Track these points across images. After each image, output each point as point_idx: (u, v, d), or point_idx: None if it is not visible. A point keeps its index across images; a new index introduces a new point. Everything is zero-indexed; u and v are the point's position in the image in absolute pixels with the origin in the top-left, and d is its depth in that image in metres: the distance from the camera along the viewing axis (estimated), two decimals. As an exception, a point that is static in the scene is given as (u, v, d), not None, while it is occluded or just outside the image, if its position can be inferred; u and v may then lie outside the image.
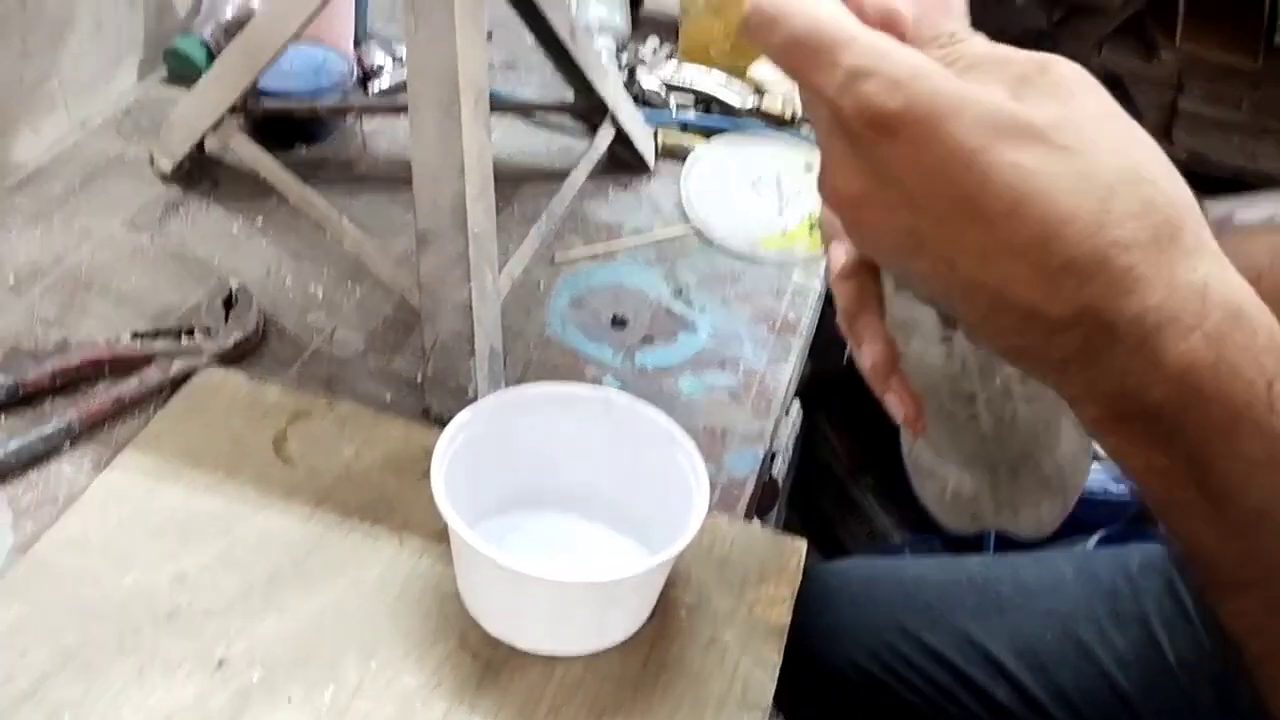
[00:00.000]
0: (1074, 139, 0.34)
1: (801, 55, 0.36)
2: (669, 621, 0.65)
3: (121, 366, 0.76)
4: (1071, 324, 0.35)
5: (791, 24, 0.36)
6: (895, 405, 0.49)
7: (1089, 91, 0.36)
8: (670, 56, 1.22)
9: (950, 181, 0.34)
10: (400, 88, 1.12)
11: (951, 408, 0.53)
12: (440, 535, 0.67)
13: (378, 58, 1.14)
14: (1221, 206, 2.23)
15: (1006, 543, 1.13)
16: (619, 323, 0.89)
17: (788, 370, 0.87)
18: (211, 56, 1.06)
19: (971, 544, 1.55)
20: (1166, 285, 0.34)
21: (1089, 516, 1.61)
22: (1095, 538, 1.50)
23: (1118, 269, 0.34)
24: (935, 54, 0.37)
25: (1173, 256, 0.34)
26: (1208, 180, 2.25)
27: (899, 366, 0.48)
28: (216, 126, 0.92)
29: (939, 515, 0.58)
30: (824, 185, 0.38)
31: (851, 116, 0.34)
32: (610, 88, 1.01)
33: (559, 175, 0.99)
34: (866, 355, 0.49)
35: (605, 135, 1.02)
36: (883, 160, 0.35)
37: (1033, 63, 0.37)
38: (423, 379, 0.79)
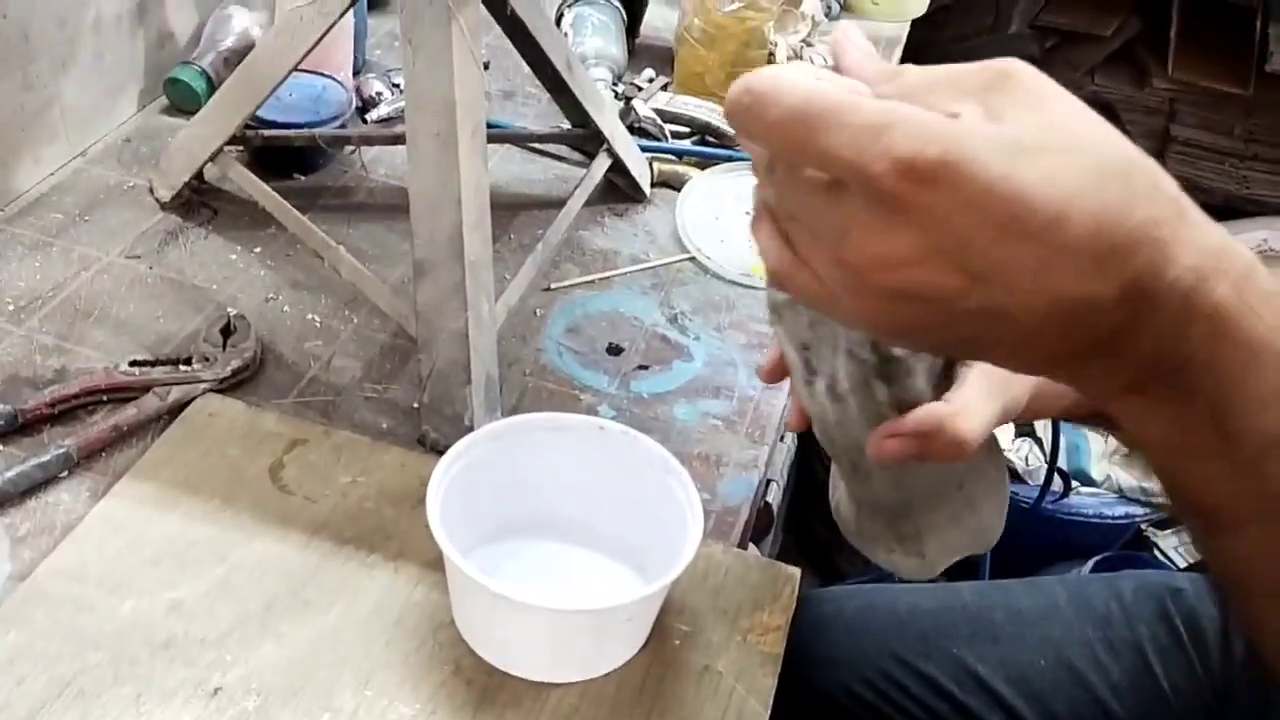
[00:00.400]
0: (1068, 139, 0.36)
1: (804, 126, 0.36)
2: (663, 649, 0.65)
3: (120, 395, 0.77)
4: (1121, 301, 0.37)
5: (788, 97, 0.37)
6: (789, 409, 0.58)
7: (1051, 91, 0.38)
8: (665, 86, 1.23)
9: (995, 209, 0.35)
10: (398, 117, 1.13)
11: (823, 441, 0.55)
12: (436, 563, 0.67)
13: (376, 87, 1.15)
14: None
15: (1001, 570, 1.14)
16: (614, 350, 0.90)
17: (782, 397, 0.87)
18: (212, 86, 1.07)
19: (966, 571, 1.55)
20: (1194, 249, 0.37)
21: (1084, 542, 1.61)
22: (1090, 563, 1.50)
23: (1156, 242, 0.36)
24: (889, 90, 0.39)
25: (1191, 224, 0.37)
26: (1200, 206, 2.27)
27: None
28: (216, 156, 0.93)
29: (833, 515, 0.63)
30: (835, 258, 0.38)
31: (884, 173, 0.35)
32: (606, 117, 1.02)
33: (555, 204, 1.00)
34: (765, 358, 0.58)
35: (601, 164, 1.03)
36: (927, 210, 0.35)
37: (988, 72, 0.38)
38: (419, 407, 0.79)
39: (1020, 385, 0.57)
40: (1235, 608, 0.46)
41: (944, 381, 0.52)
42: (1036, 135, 0.36)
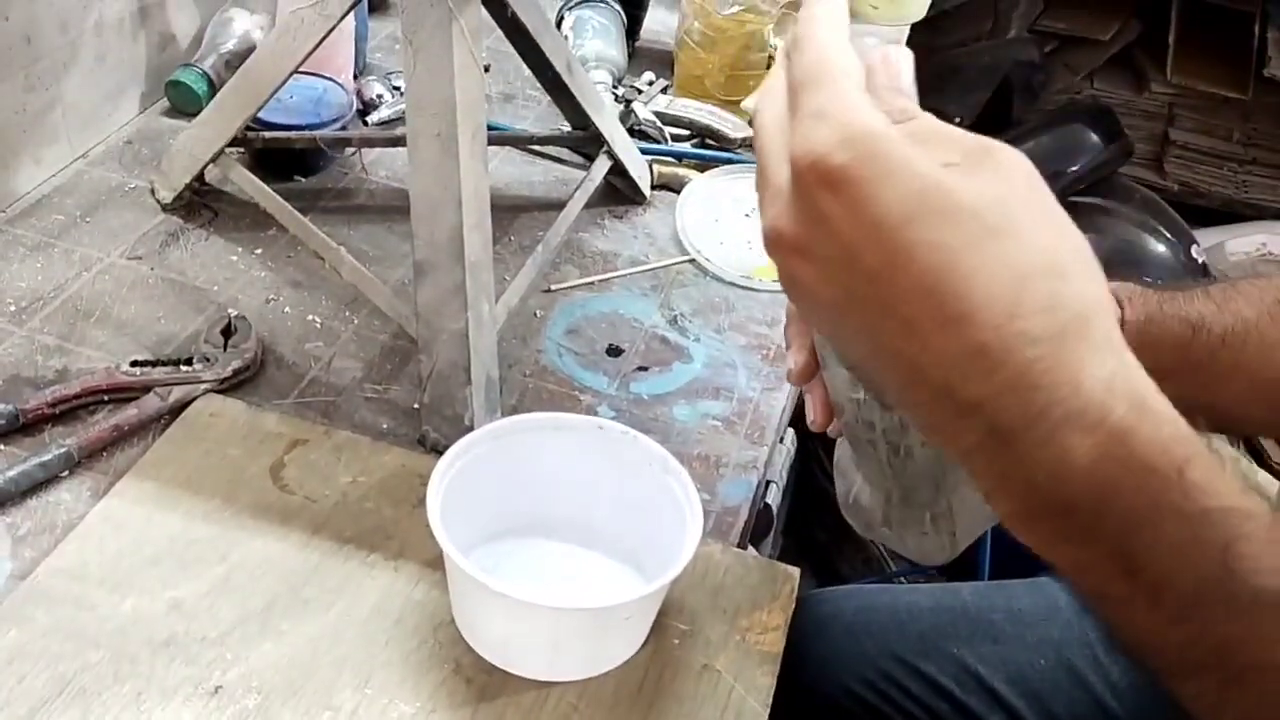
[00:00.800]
0: (1002, 222, 0.35)
1: (798, 84, 0.37)
2: (662, 649, 0.66)
3: (121, 395, 0.77)
4: (976, 410, 0.36)
5: (803, 51, 0.38)
6: (809, 407, 0.56)
7: (1026, 176, 0.37)
8: (665, 89, 1.24)
9: (880, 247, 0.35)
10: (399, 119, 1.13)
11: (855, 428, 0.56)
12: (436, 562, 0.68)
13: (377, 90, 1.15)
14: (1212, 237, 2.25)
15: (1001, 571, 1.14)
16: (614, 351, 0.90)
17: (781, 399, 0.88)
18: (213, 88, 1.08)
19: (966, 572, 1.55)
20: (1071, 382, 0.35)
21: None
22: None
23: (1023, 361, 0.35)
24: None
25: (1079, 352, 0.35)
26: (1198, 210, 2.27)
27: (819, 376, 0.53)
28: (217, 157, 0.93)
29: (844, 512, 0.62)
30: (765, 223, 0.39)
31: (798, 157, 0.36)
32: (606, 120, 1.03)
33: (555, 206, 1.00)
34: (791, 359, 0.55)
35: (601, 166, 1.03)
36: (821, 210, 0.36)
37: (980, 143, 0.37)
38: (420, 407, 0.79)
39: None
40: None
41: None
42: (971, 203, 0.35)
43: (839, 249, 0.36)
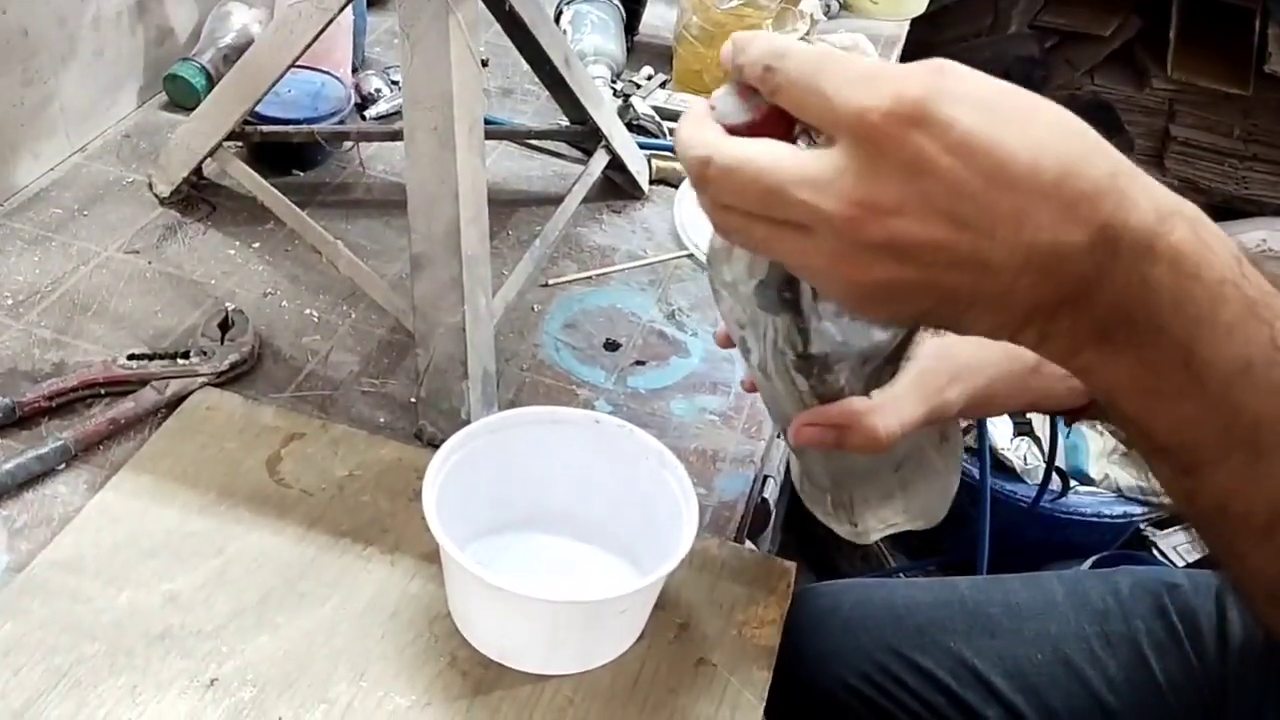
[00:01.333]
0: (1028, 100, 0.39)
1: (810, 75, 0.39)
2: (658, 642, 0.66)
3: (118, 388, 0.77)
4: (1090, 248, 0.39)
5: (795, 53, 0.40)
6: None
7: (980, 74, 0.40)
8: (664, 84, 1.24)
9: (980, 156, 0.37)
10: (397, 113, 1.13)
11: (774, 418, 0.59)
12: (432, 556, 0.68)
13: (375, 84, 1.15)
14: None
15: (999, 567, 1.14)
16: (611, 346, 0.90)
17: (779, 393, 0.88)
18: (211, 82, 1.07)
19: (963, 567, 1.55)
20: (1150, 197, 0.39)
21: (1082, 541, 1.61)
22: (1088, 562, 1.50)
23: (1118, 190, 0.38)
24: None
25: (1142, 178, 0.40)
26: (1199, 206, 2.27)
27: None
28: (215, 152, 0.93)
29: (798, 490, 0.65)
30: (835, 208, 0.39)
31: (874, 110, 0.37)
32: (604, 114, 1.02)
33: (553, 200, 1.00)
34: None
35: (599, 161, 1.03)
36: (916, 151, 0.37)
37: (925, 67, 0.40)
38: (416, 401, 0.79)
39: (956, 390, 0.59)
40: (1216, 551, 0.46)
41: (876, 381, 0.54)
42: (995, 94, 0.38)
43: (941, 182, 0.38)
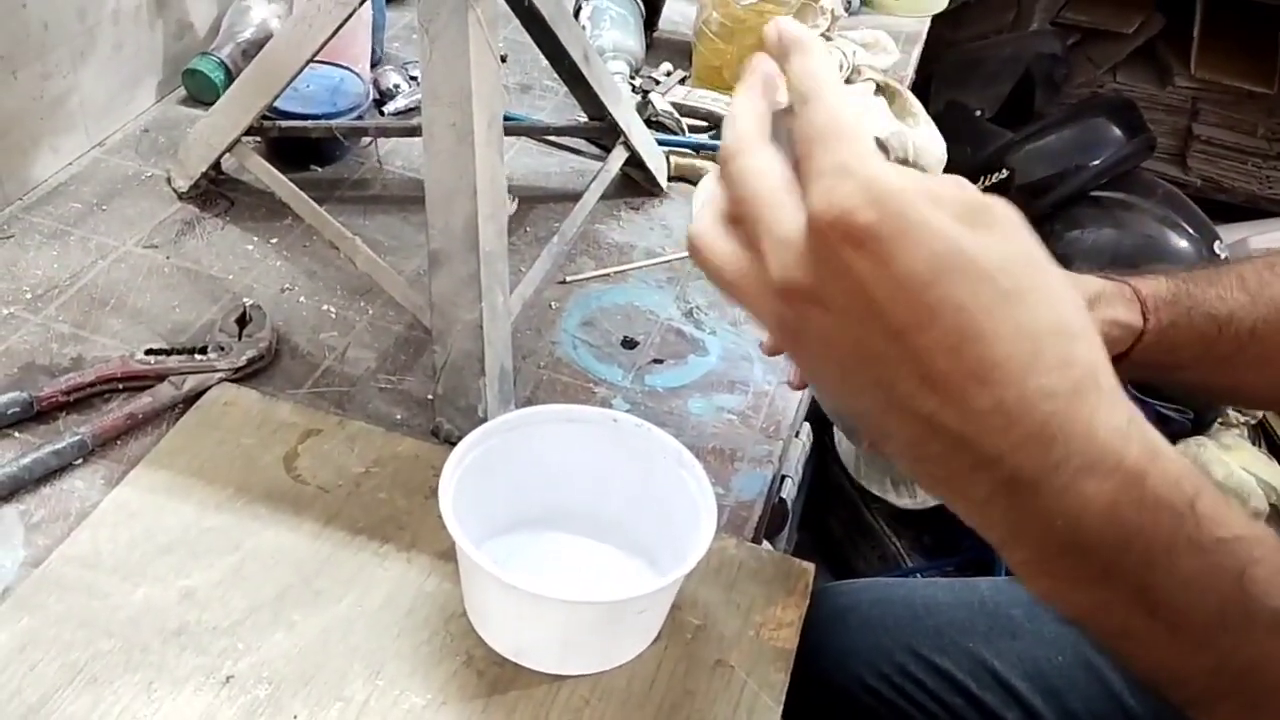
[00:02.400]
0: (1015, 283, 0.36)
1: (812, 140, 0.38)
2: (676, 643, 0.65)
3: (135, 383, 0.77)
4: (994, 463, 0.37)
5: (815, 107, 0.39)
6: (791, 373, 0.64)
7: (1025, 234, 0.38)
8: (683, 80, 1.23)
9: (905, 304, 0.36)
10: (415, 109, 1.13)
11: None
12: (448, 554, 0.67)
13: (393, 79, 1.15)
14: (1236, 233, 2.23)
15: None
16: (629, 344, 0.89)
17: (797, 393, 0.87)
18: (230, 77, 1.07)
19: (983, 567, 1.54)
20: (1086, 433, 0.37)
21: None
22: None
23: (1043, 415, 0.36)
24: None
25: (1092, 403, 0.37)
26: (1222, 206, 2.25)
27: None
28: (233, 146, 0.93)
29: (852, 472, 0.64)
30: (774, 273, 0.38)
31: (821, 212, 0.36)
32: (623, 111, 1.02)
33: (571, 197, 1.00)
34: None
35: (618, 157, 1.03)
36: (845, 264, 0.36)
37: (979, 199, 0.38)
38: (433, 398, 0.79)
39: None
40: None
41: None
42: (987, 266, 0.36)
43: (862, 303, 0.36)
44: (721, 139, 0.42)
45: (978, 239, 0.36)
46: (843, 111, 0.38)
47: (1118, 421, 0.37)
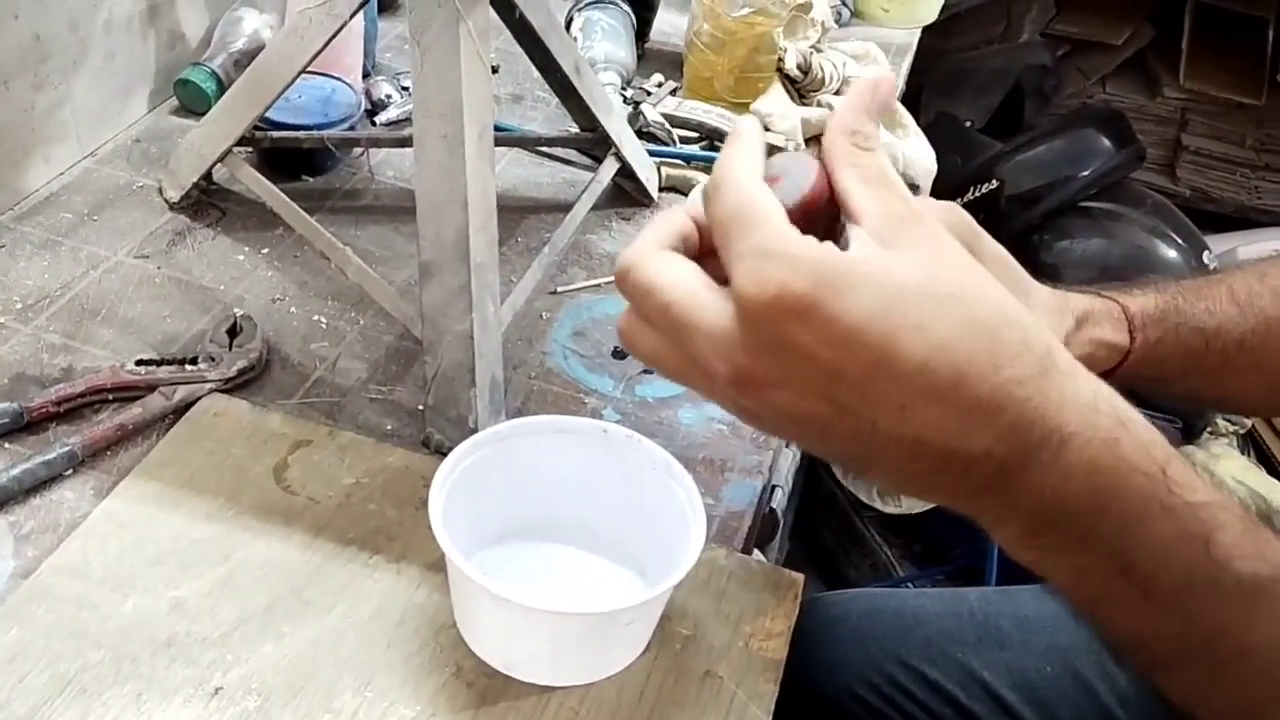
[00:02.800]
0: (951, 286, 0.38)
1: (726, 227, 0.39)
2: (665, 654, 0.65)
3: (125, 394, 0.77)
4: (985, 456, 0.38)
5: (724, 194, 0.40)
6: None
7: (941, 234, 0.39)
8: (674, 91, 1.23)
9: (863, 350, 0.37)
10: (407, 120, 1.13)
11: None
12: (438, 565, 0.67)
13: (385, 90, 1.15)
14: (1225, 243, 2.24)
15: (1009, 577, 1.13)
16: (620, 354, 0.90)
17: (788, 403, 0.87)
18: (222, 87, 1.08)
19: (973, 578, 1.55)
20: (1058, 409, 0.38)
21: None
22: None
23: (1019, 400, 0.38)
24: (843, 145, 0.41)
25: (1059, 381, 0.39)
26: (1211, 216, 2.26)
27: None
28: (225, 157, 0.93)
29: (841, 477, 0.64)
30: (721, 369, 0.39)
31: (752, 295, 0.37)
32: (614, 121, 1.02)
33: (562, 207, 1.00)
34: None
35: (609, 168, 1.03)
36: (790, 339, 0.37)
37: (912, 208, 0.39)
38: (424, 409, 0.79)
39: None
40: None
41: None
42: (920, 280, 0.37)
43: (819, 370, 0.37)
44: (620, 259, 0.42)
45: (902, 259, 0.38)
46: (752, 194, 0.39)
47: (1085, 394, 0.39)
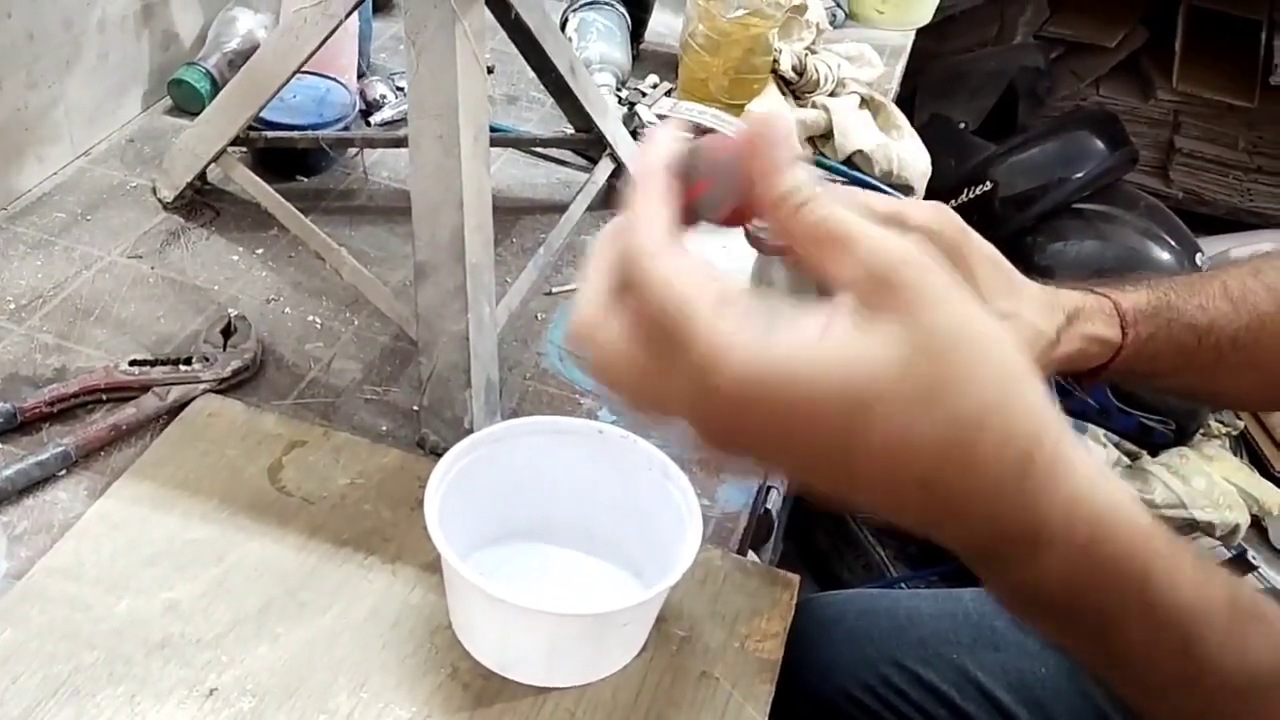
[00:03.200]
0: (931, 376, 0.34)
1: (653, 335, 0.38)
2: (661, 655, 0.65)
3: (119, 394, 0.77)
4: (955, 541, 0.39)
5: (651, 289, 0.37)
6: None
7: (932, 303, 0.35)
8: (669, 92, 1.23)
9: (824, 443, 0.36)
10: (402, 120, 1.13)
11: None
12: (433, 566, 0.67)
13: (380, 90, 1.15)
14: (1217, 245, 2.24)
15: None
16: (615, 355, 0.89)
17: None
18: (216, 87, 1.07)
19: (967, 578, 1.55)
20: (1034, 512, 0.37)
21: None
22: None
23: (988, 509, 0.37)
24: (784, 216, 0.38)
25: (1036, 484, 0.37)
26: (1203, 218, 2.27)
27: None
28: (219, 157, 0.93)
29: None
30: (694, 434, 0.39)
31: (707, 407, 0.37)
32: (610, 122, 1.02)
33: (558, 208, 1.00)
34: None
35: (604, 169, 1.03)
36: (759, 430, 0.37)
37: (885, 266, 0.35)
38: (419, 409, 0.79)
39: None
40: None
41: None
42: (895, 373, 0.34)
43: (785, 451, 0.37)
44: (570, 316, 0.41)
45: (873, 346, 0.34)
46: (676, 289, 0.37)
47: (1066, 492, 0.37)
